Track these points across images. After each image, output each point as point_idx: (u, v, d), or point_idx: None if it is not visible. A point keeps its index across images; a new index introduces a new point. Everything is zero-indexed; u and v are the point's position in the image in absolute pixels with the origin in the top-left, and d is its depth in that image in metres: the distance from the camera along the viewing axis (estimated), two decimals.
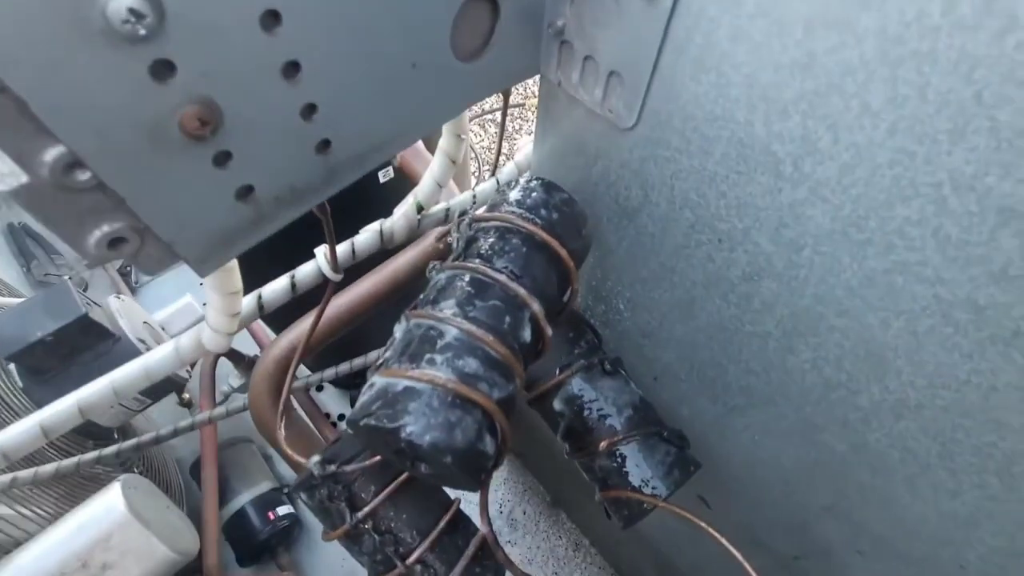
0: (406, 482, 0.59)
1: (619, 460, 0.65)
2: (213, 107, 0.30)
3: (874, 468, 0.50)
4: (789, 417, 0.55)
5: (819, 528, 0.62)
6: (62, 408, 0.47)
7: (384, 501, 0.57)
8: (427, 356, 0.43)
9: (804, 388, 0.51)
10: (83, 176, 0.27)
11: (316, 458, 0.54)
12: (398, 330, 0.48)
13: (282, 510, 1.55)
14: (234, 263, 0.45)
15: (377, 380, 0.43)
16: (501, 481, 1.75)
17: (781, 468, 0.61)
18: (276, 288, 0.56)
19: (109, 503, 0.51)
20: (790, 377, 0.52)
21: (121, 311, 1.34)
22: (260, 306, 0.55)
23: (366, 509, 0.56)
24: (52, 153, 0.26)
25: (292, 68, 0.32)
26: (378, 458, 0.56)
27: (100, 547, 0.51)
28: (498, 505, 1.71)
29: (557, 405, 0.69)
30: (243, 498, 1.54)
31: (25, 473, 0.76)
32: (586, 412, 0.67)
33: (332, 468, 0.55)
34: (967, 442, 0.41)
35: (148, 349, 1.26)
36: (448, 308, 0.47)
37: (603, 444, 0.64)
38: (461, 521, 0.63)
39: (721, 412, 0.65)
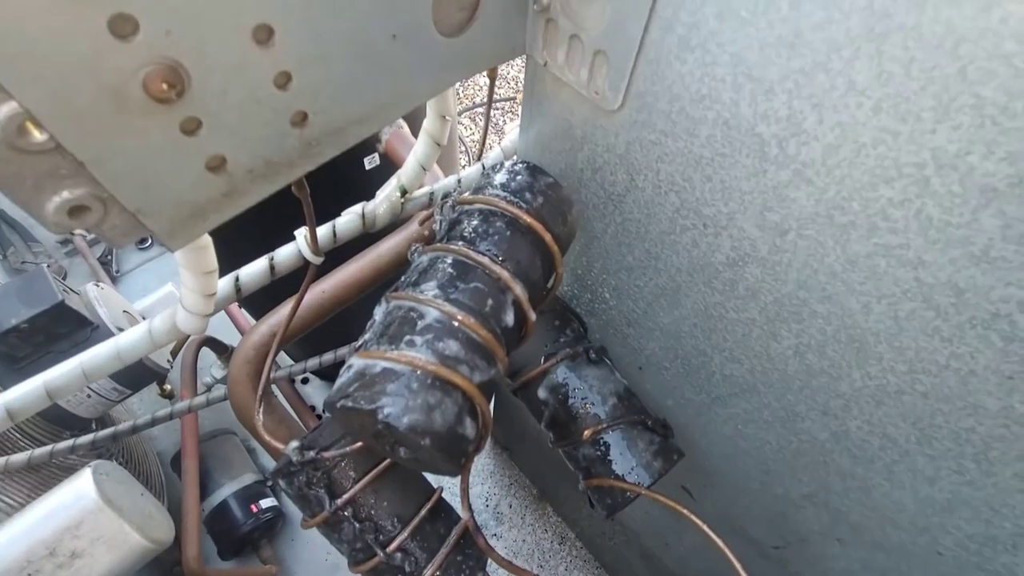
0: (387, 469, 0.59)
1: (603, 449, 0.65)
2: (180, 69, 0.29)
3: (854, 456, 0.50)
4: (771, 405, 0.55)
5: (799, 517, 0.62)
6: (28, 390, 0.46)
7: (364, 488, 0.56)
8: (407, 337, 0.43)
9: (787, 376, 0.51)
10: (39, 137, 0.26)
11: (295, 443, 0.53)
12: (378, 312, 0.47)
13: (265, 503, 1.53)
14: (208, 241, 0.44)
15: (355, 362, 0.42)
16: (488, 474, 1.75)
17: (763, 457, 0.61)
18: (254, 270, 0.54)
19: (79, 489, 0.50)
20: (773, 364, 0.52)
21: (100, 299, 1.31)
22: (237, 288, 0.53)
23: (346, 496, 0.55)
24: (4, 110, 0.24)
25: (265, 32, 0.31)
26: (358, 444, 0.55)
27: (69, 534, 0.49)
28: (484, 498, 1.71)
29: (541, 393, 0.68)
30: (225, 490, 1.51)
31: None
32: (570, 400, 0.67)
33: (311, 454, 0.54)
34: (945, 427, 0.41)
35: None
36: (429, 290, 0.46)
37: (587, 432, 0.64)
38: (443, 509, 0.63)
39: (705, 401, 0.65)
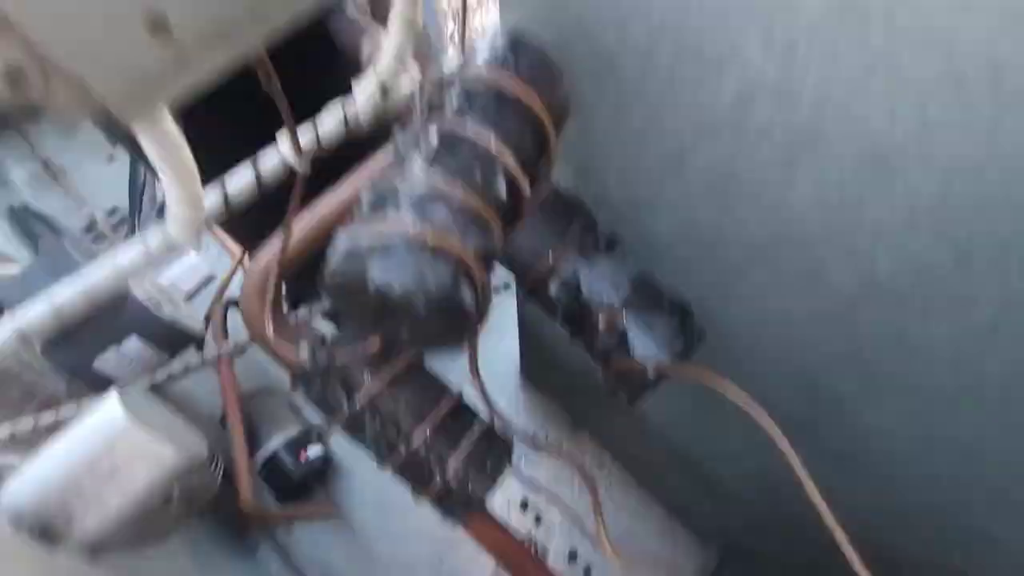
0: (406, 373, 0.59)
1: (620, 335, 0.63)
2: None
3: (883, 302, 0.47)
4: (793, 259, 0.52)
5: (830, 379, 0.59)
6: (39, 311, 0.46)
7: (381, 391, 0.56)
8: (392, 209, 0.41)
9: (806, 222, 0.48)
10: None
11: (305, 344, 0.53)
12: (364, 194, 0.45)
13: (313, 451, 1.59)
14: (175, 130, 0.42)
15: (343, 239, 0.41)
16: (521, 407, 1.78)
17: (790, 323, 0.59)
18: (239, 180, 0.53)
19: (107, 412, 0.52)
20: (792, 214, 0.48)
21: None
22: (226, 200, 0.52)
23: (363, 392, 0.55)
24: None
25: None
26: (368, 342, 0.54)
27: (105, 453, 0.52)
28: (520, 431, 1.74)
29: (553, 289, 0.66)
30: (274, 443, 1.58)
31: (24, 422, 0.76)
32: (583, 292, 0.65)
33: (323, 352, 0.54)
34: (985, 243, 0.37)
35: (159, 305, 1.26)
36: (415, 165, 0.44)
37: (603, 321, 0.62)
38: (464, 409, 0.63)
39: (724, 280, 0.62)
